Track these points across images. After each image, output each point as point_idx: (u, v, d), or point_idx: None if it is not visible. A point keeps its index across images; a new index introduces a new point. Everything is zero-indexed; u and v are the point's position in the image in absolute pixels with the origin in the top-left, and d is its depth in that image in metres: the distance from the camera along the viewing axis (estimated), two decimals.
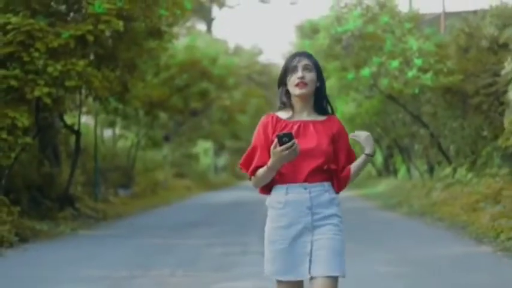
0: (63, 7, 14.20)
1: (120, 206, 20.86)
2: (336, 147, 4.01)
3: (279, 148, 3.73)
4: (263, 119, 4.06)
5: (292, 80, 3.98)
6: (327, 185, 4.02)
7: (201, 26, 51.59)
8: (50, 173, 17.28)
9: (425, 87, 17.96)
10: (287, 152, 3.73)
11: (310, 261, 3.90)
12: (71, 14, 13.94)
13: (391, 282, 7.81)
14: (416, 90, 17.88)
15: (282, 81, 4.07)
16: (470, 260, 9.40)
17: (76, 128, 17.51)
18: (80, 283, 8.25)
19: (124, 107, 21.39)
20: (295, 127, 3.99)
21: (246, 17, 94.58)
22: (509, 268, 8.67)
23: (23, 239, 12.18)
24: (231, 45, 51.35)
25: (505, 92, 16.06)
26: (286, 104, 4.06)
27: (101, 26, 12.68)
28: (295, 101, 4.04)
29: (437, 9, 27.75)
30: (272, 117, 4.05)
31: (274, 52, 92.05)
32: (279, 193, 4.01)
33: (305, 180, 3.96)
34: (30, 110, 13.31)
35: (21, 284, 8.28)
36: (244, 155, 4.05)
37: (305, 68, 3.98)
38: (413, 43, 17.72)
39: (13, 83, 12.35)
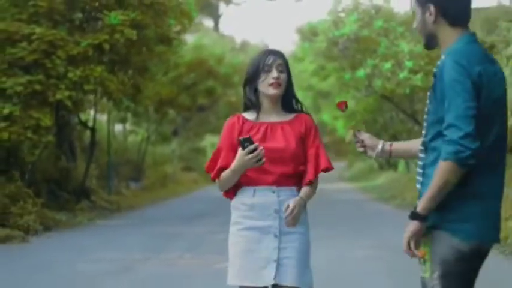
0: (79, 15, 15.42)
1: (131, 198, 21.98)
2: (304, 146, 3.89)
3: (241, 152, 3.67)
4: (229, 120, 3.94)
5: (267, 80, 3.85)
6: (295, 189, 3.89)
7: (209, 23, 52.75)
8: (67, 167, 18.41)
9: (416, 88, 19.17)
10: (250, 156, 3.67)
11: (277, 268, 3.77)
12: (89, 23, 15.18)
13: (367, 264, 9.08)
14: (408, 91, 19.12)
15: (252, 79, 3.91)
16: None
17: (90, 125, 18.81)
18: (99, 263, 9.55)
19: (136, 105, 22.58)
20: (262, 129, 3.88)
21: (253, 13, 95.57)
22: None
23: (46, 228, 13.46)
24: (238, 40, 52.49)
25: None
26: (254, 103, 3.92)
27: (116, 36, 13.95)
28: (264, 101, 3.91)
29: None
30: (238, 117, 3.92)
31: (281, 47, 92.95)
32: (245, 195, 3.87)
33: (274, 184, 3.84)
34: (52, 111, 14.60)
35: (49, 265, 9.57)
36: (210, 158, 3.95)
37: (279, 68, 3.87)
38: (404, 46, 18.94)
39: (37, 87, 13.57)
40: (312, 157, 3.88)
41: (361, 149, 3.62)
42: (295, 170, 3.86)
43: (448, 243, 3.05)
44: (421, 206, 3.05)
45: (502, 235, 10.29)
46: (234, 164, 3.75)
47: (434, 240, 3.11)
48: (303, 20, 74.82)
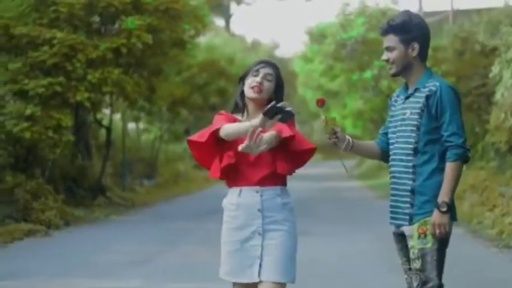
0: (97, 19, 16.07)
1: (145, 195, 22.50)
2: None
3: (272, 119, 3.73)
4: (220, 113, 4.13)
5: (250, 81, 4.03)
6: (279, 189, 4.07)
7: (220, 22, 53.36)
8: (83, 165, 19.01)
9: None
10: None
11: (260, 265, 3.96)
12: (107, 27, 15.84)
13: (367, 257, 9.72)
14: None
15: (242, 81, 4.13)
16: None
17: (106, 123, 19.49)
18: (119, 255, 10.24)
19: (150, 105, 23.20)
20: None
21: (264, 12, 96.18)
22: (469, 245, 10.53)
23: (67, 223, 14.14)
24: (249, 39, 53.07)
25: (493, 92, 17.71)
26: (239, 105, 4.13)
27: (133, 40, 14.64)
28: (249, 105, 4.09)
29: (449, 6, 28.63)
30: (230, 115, 4.12)
31: (291, 45, 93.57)
32: (232, 195, 4.10)
33: (258, 184, 4.02)
34: (72, 112, 15.29)
35: (73, 255, 10.29)
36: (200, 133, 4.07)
37: (265, 76, 4.04)
38: None
39: (58, 89, 14.23)
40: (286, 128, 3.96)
41: (335, 140, 4.29)
42: (276, 169, 4.04)
43: None
44: (447, 198, 4.01)
45: (497, 230, 10.98)
46: (246, 123, 3.86)
47: None
48: (314, 19, 75.41)
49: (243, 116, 4.11)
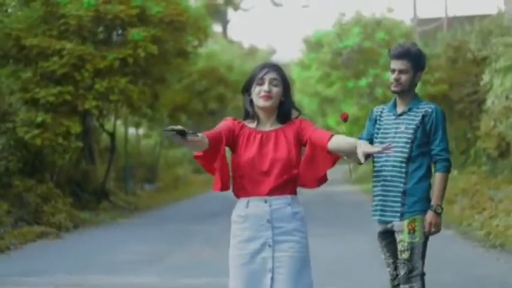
0: (102, 29, 16.69)
1: (147, 199, 23.03)
2: (303, 137, 3.96)
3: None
4: (230, 118, 4.06)
5: (257, 91, 3.93)
6: (290, 198, 3.91)
7: (217, 28, 53.85)
8: (87, 169, 19.57)
9: None
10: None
11: (272, 278, 3.82)
12: (114, 37, 16.48)
13: (365, 258, 10.34)
14: None
15: (247, 90, 4.02)
16: (434, 241, 11.79)
17: (108, 129, 20.12)
18: (129, 255, 10.88)
19: (153, 112, 23.79)
20: (258, 137, 3.96)
21: (260, 18, 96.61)
22: (458, 245, 11.19)
23: (76, 226, 14.73)
24: (246, 45, 53.62)
25: (484, 100, 18.29)
26: (250, 113, 4.03)
27: (139, 50, 15.30)
28: (259, 111, 4.00)
29: (447, 13, 28.92)
30: (239, 122, 4.04)
31: (288, 51, 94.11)
32: (240, 207, 3.96)
33: (267, 194, 3.87)
34: (80, 119, 15.91)
35: (84, 256, 10.93)
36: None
37: (271, 82, 3.93)
38: None
39: (67, 97, 14.94)
40: (316, 131, 3.96)
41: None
42: (289, 177, 3.93)
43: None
44: (439, 202, 4.83)
45: (485, 231, 11.62)
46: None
47: (422, 219, 4.86)
48: (310, 25, 75.95)
49: (255, 121, 4.05)
